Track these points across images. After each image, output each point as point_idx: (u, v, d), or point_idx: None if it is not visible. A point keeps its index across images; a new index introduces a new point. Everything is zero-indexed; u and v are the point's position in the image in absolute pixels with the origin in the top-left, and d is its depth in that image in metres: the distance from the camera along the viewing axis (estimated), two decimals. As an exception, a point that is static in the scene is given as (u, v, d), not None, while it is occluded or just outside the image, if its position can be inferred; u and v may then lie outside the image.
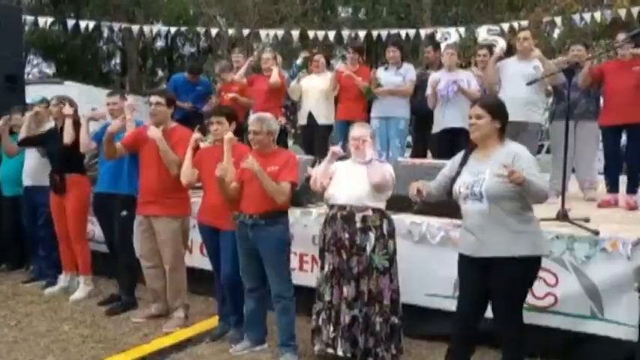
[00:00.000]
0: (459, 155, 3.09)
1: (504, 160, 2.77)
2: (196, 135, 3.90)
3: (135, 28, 12.07)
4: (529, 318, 3.43)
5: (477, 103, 2.98)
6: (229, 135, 3.68)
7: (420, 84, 5.87)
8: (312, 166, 4.22)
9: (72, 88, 9.78)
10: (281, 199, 3.46)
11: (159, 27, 13.87)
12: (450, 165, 3.14)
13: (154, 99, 4.12)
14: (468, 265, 2.96)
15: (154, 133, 3.98)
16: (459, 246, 3.07)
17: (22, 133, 5.01)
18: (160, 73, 25.33)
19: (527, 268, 2.86)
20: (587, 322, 3.43)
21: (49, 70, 22.45)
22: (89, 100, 8.12)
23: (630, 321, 3.30)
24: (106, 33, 12.78)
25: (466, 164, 2.98)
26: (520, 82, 5.05)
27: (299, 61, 6.96)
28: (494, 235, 2.80)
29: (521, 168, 2.68)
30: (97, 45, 21.75)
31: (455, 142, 5.28)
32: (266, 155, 3.54)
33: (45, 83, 10.29)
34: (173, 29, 12.09)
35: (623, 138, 5.43)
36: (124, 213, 4.37)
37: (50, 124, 5.10)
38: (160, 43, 22.40)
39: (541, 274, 3.45)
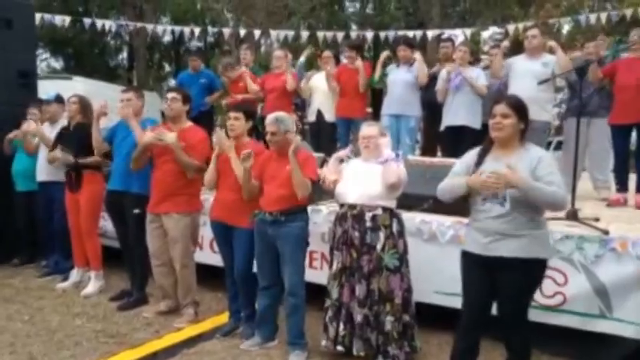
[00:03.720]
0: (473, 153, 2.99)
1: (528, 163, 2.73)
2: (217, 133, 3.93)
3: (148, 27, 12.22)
4: (538, 316, 3.47)
5: (503, 101, 2.84)
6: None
7: (431, 79, 5.88)
8: (322, 164, 4.24)
9: (79, 84, 9.83)
10: (302, 192, 3.48)
11: (167, 27, 13.94)
12: (461, 164, 3.02)
13: (170, 95, 4.16)
14: (475, 264, 2.92)
15: (170, 138, 3.98)
16: (467, 244, 3.00)
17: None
18: (167, 67, 25.38)
19: (539, 270, 2.86)
20: (596, 321, 3.44)
21: (57, 64, 22.52)
22: (97, 95, 8.12)
23: (638, 320, 3.32)
24: (113, 27, 12.76)
25: (483, 164, 2.88)
26: (528, 80, 5.03)
27: (302, 59, 6.87)
28: (511, 237, 2.76)
29: (540, 174, 2.67)
30: (104, 39, 21.78)
31: (458, 139, 5.28)
32: (285, 155, 3.52)
33: (54, 79, 10.32)
34: (187, 29, 12.14)
35: (633, 136, 5.40)
36: (137, 211, 4.40)
37: (63, 122, 5.13)
38: (167, 38, 22.45)
39: (550, 273, 3.48)
